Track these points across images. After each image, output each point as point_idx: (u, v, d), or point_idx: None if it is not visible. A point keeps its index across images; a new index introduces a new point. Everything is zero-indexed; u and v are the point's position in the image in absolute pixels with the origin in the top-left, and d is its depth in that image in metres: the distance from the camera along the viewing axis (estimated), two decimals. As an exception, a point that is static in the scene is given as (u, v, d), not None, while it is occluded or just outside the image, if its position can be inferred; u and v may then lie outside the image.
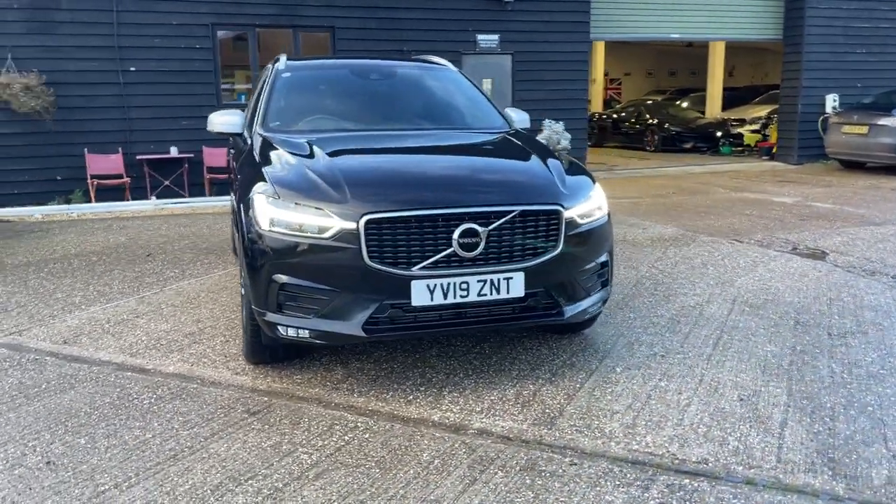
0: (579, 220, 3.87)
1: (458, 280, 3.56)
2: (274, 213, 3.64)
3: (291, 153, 4.11)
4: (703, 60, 22.22)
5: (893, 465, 3.01)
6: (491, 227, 3.58)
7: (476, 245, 3.56)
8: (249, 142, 4.74)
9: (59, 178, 11.22)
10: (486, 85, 13.36)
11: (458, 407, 3.61)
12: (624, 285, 5.82)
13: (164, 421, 3.48)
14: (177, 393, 3.82)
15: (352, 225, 3.49)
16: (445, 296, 3.56)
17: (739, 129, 18.95)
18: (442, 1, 12.81)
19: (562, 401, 3.66)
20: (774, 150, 16.24)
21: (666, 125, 19.69)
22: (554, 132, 13.00)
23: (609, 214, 4.20)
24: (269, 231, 3.64)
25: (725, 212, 9.47)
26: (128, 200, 11.22)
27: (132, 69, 11.38)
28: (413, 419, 3.49)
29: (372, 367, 4.16)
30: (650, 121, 20.23)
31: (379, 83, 5.48)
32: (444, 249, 3.55)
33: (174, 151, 11.56)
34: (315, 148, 4.14)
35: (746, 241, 7.53)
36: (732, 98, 22.36)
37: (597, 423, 3.42)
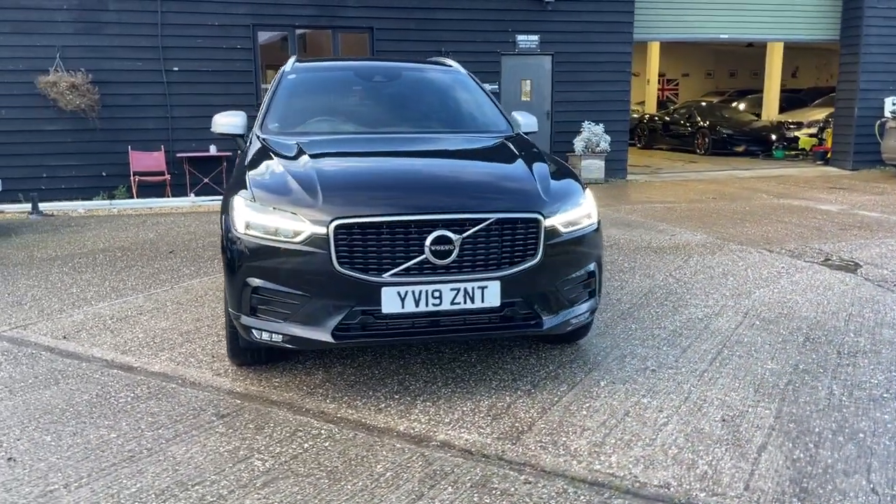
0: (562, 229, 3.74)
1: (430, 288, 3.49)
2: (250, 217, 3.63)
3: (279, 156, 4.10)
4: (764, 61, 21.52)
5: (870, 499, 2.81)
6: (465, 234, 3.49)
7: (449, 252, 3.48)
8: (248, 143, 4.75)
9: (104, 174, 11.57)
10: (526, 86, 13.21)
11: (426, 417, 3.54)
12: (634, 294, 5.65)
13: (133, 421, 3.51)
14: (154, 392, 3.85)
15: (322, 230, 3.45)
16: (417, 303, 3.49)
17: (796, 133, 18.27)
18: (481, 1, 12.70)
19: (534, 414, 3.55)
20: (829, 155, 15.62)
21: (717, 127, 19.14)
22: (593, 134, 12.79)
23: (599, 222, 4.06)
24: (245, 234, 3.63)
25: (763, 219, 9.13)
26: (168, 197, 11.49)
27: (175, 69, 11.65)
28: (378, 428, 3.43)
29: (353, 372, 4.12)
30: (701, 123, 19.69)
31: (383, 85, 5.43)
32: (416, 256, 3.47)
33: (213, 150, 11.78)
34: (302, 151, 4.12)
35: (777, 250, 7.23)
36: (793, 100, 21.62)
37: (564, 439, 3.30)
